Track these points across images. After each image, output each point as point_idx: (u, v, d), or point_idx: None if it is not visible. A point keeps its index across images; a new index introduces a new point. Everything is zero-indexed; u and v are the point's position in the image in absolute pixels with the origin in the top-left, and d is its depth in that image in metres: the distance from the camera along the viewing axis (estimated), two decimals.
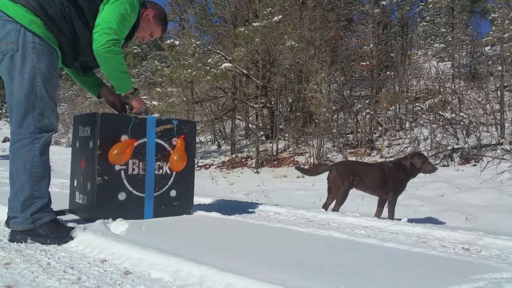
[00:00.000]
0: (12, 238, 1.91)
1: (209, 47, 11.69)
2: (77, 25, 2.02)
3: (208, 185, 6.89)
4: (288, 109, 10.86)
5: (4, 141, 18.65)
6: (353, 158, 7.77)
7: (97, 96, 2.52)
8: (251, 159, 9.38)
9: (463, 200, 4.12)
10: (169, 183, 2.49)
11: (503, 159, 5.81)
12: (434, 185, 4.95)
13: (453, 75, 10.85)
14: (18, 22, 1.87)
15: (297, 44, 9.30)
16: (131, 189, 2.33)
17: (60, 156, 10.17)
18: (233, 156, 10.14)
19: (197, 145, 9.67)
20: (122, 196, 2.30)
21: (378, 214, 3.61)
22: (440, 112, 8.41)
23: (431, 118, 8.27)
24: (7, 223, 2.08)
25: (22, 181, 1.90)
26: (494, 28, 10.66)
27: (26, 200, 1.90)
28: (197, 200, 2.94)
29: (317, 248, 1.92)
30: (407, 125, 9.03)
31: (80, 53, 2.13)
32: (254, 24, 9.41)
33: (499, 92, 8.18)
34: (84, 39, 2.06)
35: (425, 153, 7.04)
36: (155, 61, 13.06)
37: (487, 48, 12.38)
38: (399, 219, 3.05)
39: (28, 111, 1.89)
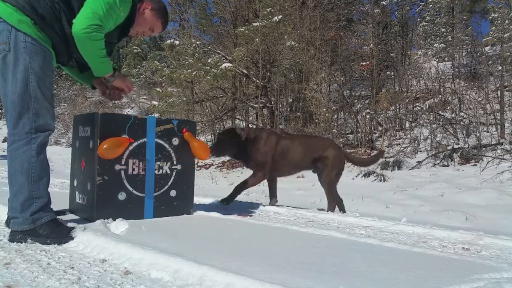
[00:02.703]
0: (12, 238, 1.91)
1: (209, 47, 11.68)
2: (68, 22, 1.96)
3: (208, 185, 6.88)
4: (288, 109, 10.85)
5: (4, 141, 18.67)
6: None
7: (92, 86, 2.47)
8: None
9: (463, 200, 4.12)
10: (169, 183, 2.49)
11: (503, 159, 5.81)
12: (434, 185, 4.95)
13: (453, 75, 10.85)
14: (7, 22, 1.84)
15: (297, 44, 9.30)
16: (131, 189, 2.33)
17: (60, 156, 10.17)
18: None
19: None
20: (122, 196, 2.30)
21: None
22: (440, 112, 8.41)
23: (431, 118, 8.27)
24: (7, 223, 2.09)
25: (21, 182, 1.90)
26: (494, 28, 10.66)
27: (26, 201, 1.90)
28: (197, 200, 2.94)
29: (317, 248, 1.92)
30: (407, 125, 9.03)
31: (74, 51, 2.08)
32: (254, 24, 9.40)
33: (499, 92, 8.18)
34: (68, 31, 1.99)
35: (425, 153, 7.06)
36: (155, 61, 13.05)
37: (487, 48, 12.38)
38: (399, 219, 3.05)
39: (23, 112, 1.88)
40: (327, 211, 3.30)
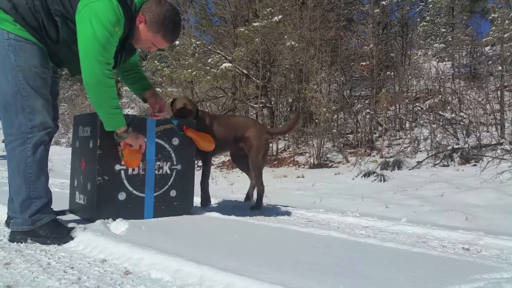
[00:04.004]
0: (12, 238, 1.91)
1: (209, 47, 11.68)
2: (46, 24, 1.88)
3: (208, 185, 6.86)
4: (288, 109, 10.85)
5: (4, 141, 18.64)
6: (353, 158, 7.78)
7: (143, 99, 2.47)
8: None
9: (463, 200, 4.12)
10: (169, 183, 2.49)
11: (503, 159, 5.81)
12: (434, 185, 4.95)
13: (453, 75, 10.84)
14: None
15: (297, 44, 9.30)
16: (131, 189, 2.34)
17: (60, 156, 10.17)
18: None
19: None
20: (122, 196, 2.31)
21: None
22: (440, 112, 8.41)
23: (431, 118, 8.27)
24: (7, 223, 2.09)
25: (18, 182, 1.90)
26: (494, 28, 10.65)
27: (24, 201, 1.90)
28: (197, 200, 2.94)
29: (317, 248, 1.92)
30: (407, 125, 9.02)
31: (62, 57, 2.00)
32: (254, 24, 9.40)
33: (499, 92, 8.17)
34: (53, 39, 1.91)
35: (425, 153, 7.06)
36: (155, 61, 13.04)
37: (487, 48, 12.37)
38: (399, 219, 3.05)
39: (18, 112, 1.87)
40: (256, 201, 3.25)
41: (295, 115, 3.99)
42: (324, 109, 8.15)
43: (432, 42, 14.12)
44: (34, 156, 1.90)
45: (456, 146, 6.81)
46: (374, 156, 7.79)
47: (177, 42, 10.47)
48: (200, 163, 3.12)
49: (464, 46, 12.30)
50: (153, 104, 2.42)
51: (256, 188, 3.31)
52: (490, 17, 11.44)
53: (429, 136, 7.51)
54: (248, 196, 3.45)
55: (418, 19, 15.19)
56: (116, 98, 1.97)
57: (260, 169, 3.21)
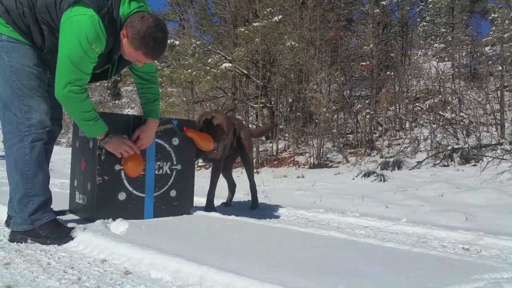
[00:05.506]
0: (12, 238, 1.92)
1: (209, 47, 11.68)
2: (32, 31, 1.88)
3: (208, 185, 6.86)
4: (288, 109, 10.85)
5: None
6: (353, 158, 7.78)
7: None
8: None
9: (463, 200, 4.11)
10: (169, 183, 2.49)
11: (503, 159, 5.80)
12: (434, 185, 4.95)
13: (453, 75, 10.83)
14: None
15: (297, 44, 9.30)
16: (131, 189, 2.34)
17: (60, 156, 10.16)
18: None
19: None
20: (122, 196, 2.31)
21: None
22: (440, 112, 8.40)
23: (431, 118, 8.26)
24: (7, 223, 2.09)
25: (16, 180, 1.91)
26: (494, 28, 10.66)
27: (22, 199, 1.90)
28: (197, 200, 2.94)
29: (317, 248, 1.92)
30: (407, 125, 9.02)
31: (43, 60, 1.99)
32: (254, 24, 9.41)
33: (499, 92, 8.17)
34: (38, 45, 1.92)
35: (425, 153, 7.06)
36: (155, 61, 13.05)
37: (487, 48, 12.37)
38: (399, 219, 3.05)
39: (16, 111, 1.89)
40: (253, 201, 3.42)
41: (272, 125, 4.11)
42: (324, 109, 8.15)
43: (432, 42, 14.12)
44: (32, 154, 1.91)
45: (456, 146, 6.81)
46: (374, 156, 7.79)
47: (177, 42, 10.48)
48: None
49: (464, 46, 12.30)
50: (136, 134, 2.30)
51: (250, 188, 3.46)
52: (490, 17, 11.45)
53: (429, 136, 7.51)
54: (229, 201, 3.61)
55: (418, 19, 15.20)
56: (89, 111, 1.94)
57: (253, 167, 3.37)
